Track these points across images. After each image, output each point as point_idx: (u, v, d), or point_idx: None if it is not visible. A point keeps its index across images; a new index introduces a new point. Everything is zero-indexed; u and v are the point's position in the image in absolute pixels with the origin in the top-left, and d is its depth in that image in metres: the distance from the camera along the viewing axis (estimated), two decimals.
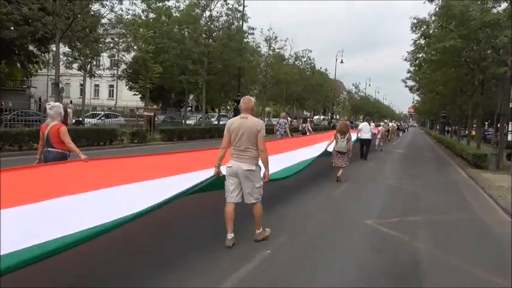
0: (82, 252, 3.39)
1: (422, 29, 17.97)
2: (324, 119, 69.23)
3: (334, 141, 10.22)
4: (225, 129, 4.87)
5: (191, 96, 39.77)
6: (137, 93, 40.83)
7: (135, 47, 23.30)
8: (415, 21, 17.98)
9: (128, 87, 29.27)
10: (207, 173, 4.91)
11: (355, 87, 75.83)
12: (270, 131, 28.62)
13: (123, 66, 26.12)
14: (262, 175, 4.96)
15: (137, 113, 20.69)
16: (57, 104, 5.72)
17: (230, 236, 4.75)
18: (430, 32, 17.81)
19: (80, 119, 22.00)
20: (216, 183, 4.80)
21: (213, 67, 23.96)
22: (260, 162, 4.89)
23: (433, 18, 17.57)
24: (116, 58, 24.45)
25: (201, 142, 20.75)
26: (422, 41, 18.89)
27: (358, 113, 78.90)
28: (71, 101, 28.04)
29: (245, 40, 27.09)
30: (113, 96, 50.85)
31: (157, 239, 4.83)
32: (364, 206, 7.87)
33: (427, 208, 8.07)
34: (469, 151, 16.88)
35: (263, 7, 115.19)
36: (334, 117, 62.44)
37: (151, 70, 21.32)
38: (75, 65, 20.80)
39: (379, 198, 8.81)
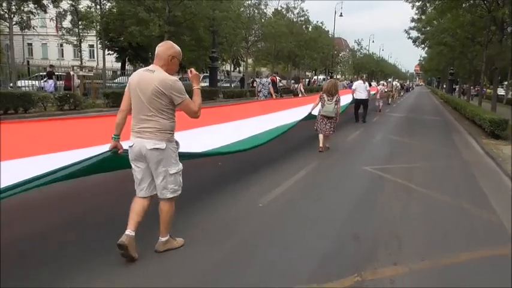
0: None
1: None
2: (324, 79, 64.86)
3: (320, 104, 8.82)
4: (127, 86, 3.26)
5: None
6: (112, 52, 36.83)
7: None
8: None
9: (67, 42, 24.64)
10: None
11: (357, 44, 70.94)
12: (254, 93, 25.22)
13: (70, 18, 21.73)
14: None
15: (71, 73, 16.77)
16: None
17: (128, 231, 3.09)
18: None
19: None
20: (116, 161, 3.22)
21: (174, 16, 19.73)
22: (176, 136, 3.26)
23: None
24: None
25: None
26: None
27: (360, 72, 74.31)
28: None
29: None
30: (94, 58, 47.22)
31: None
32: (309, 228, 4.26)
33: (421, 233, 4.41)
34: (485, 116, 13.10)
35: None
36: (334, 76, 57.93)
37: (86, 18, 17.27)
38: None
39: (343, 205, 5.19)
